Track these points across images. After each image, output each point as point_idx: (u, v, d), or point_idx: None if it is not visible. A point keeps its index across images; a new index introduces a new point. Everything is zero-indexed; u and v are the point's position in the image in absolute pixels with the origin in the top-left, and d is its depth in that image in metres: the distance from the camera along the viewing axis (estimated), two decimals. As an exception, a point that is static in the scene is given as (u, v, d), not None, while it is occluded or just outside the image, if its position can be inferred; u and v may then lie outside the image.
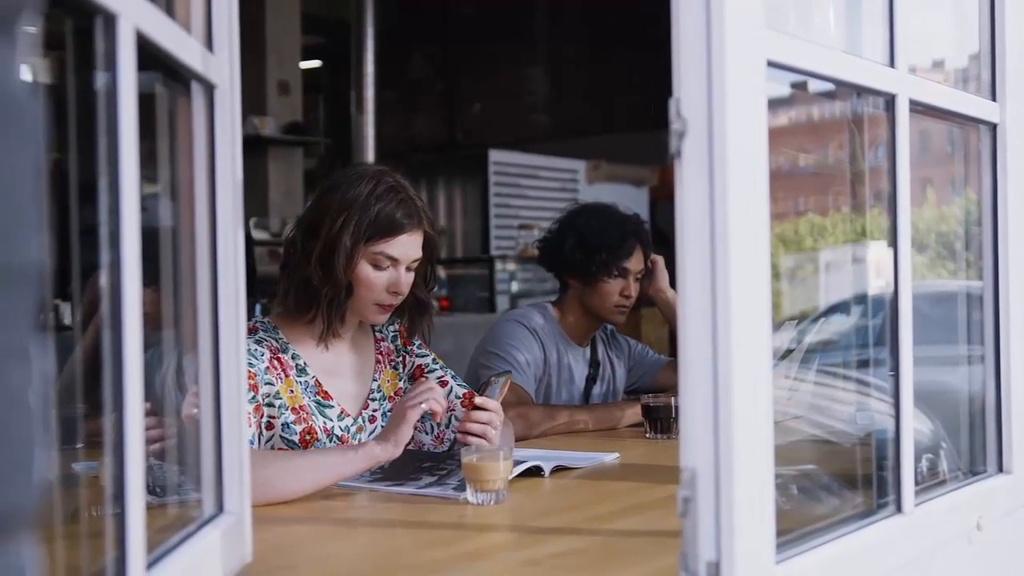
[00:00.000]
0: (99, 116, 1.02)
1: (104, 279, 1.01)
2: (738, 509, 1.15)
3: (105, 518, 1.15)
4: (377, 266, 2.20)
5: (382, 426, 2.30)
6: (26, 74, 0.55)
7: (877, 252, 1.87)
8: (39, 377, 0.56)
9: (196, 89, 1.33)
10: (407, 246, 2.22)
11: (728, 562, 1.16)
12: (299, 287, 2.21)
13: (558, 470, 2.19)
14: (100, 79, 1.02)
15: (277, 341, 2.22)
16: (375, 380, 2.36)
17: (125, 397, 1.00)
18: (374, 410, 2.34)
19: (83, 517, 1.30)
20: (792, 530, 1.33)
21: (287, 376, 2.20)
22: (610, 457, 2.36)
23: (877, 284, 1.93)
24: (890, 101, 1.52)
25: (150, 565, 1.09)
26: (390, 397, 2.37)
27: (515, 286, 7.62)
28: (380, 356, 2.39)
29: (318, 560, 1.62)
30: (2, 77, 0.53)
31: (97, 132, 1.02)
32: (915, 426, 1.57)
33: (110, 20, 0.99)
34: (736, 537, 1.15)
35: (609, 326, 3.20)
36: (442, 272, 7.77)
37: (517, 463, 2.04)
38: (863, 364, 1.93)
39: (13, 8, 0.53)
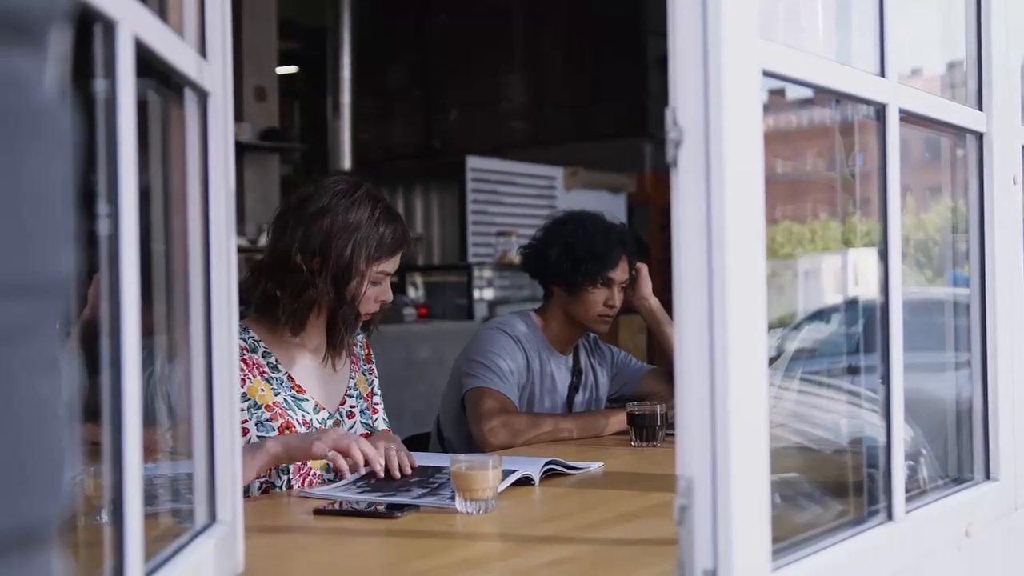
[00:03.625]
0: (97, 122, 1.01)
1: (103, 285, 1.00)
2: (735, 517, 1.15)
3: (94, 527, 1.14)
4: (375, 283, 2.31)
5: (361, 422, 2.41)
6: (57, 84, 0.55)
7: (857, 259, 1.88)
8: (67, 388, 0.56)
9: (189, 96, 1.32)
10: (399, 260, 2.36)
11: (725, 570, 1.16)
12: (308, 306, 2.27)
13: (548, 476, 2.19)
14: (98, 85, 1.01)
15: (246, 340, 2.25)
16: (351, 378, 2.44)
17: (123, 406, 0.99)
18: (351, 406, 2.42)
19: (75, 527, 1.29)
20: (786, 538, 1.33)
21: (254, 376, 2.25)
22: (595, 466, 2.36)
23: (858, 291, 1.94)
24: (880, 110, 1.53)
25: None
26: (365, 396, 2.46)
27: (493, 293, 7.61)
28: (354, 357, 2.48)
29: (309, 570, 1.61)
30: (33, 87, 0.52)
31: (94, 138, 1.01)
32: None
33: (109, 27, 0.98)
34: (733, 545, 1.15)
35: (592, 334, 3.21)
36: (420, 279, 7.76)
37: (507, 473, 2.04)
38: (848, 371, 1.93)
39: (44, 18, 0.53)
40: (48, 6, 0.53)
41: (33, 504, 0.52)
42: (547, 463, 2.20)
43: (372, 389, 2.50)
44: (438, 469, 2.19)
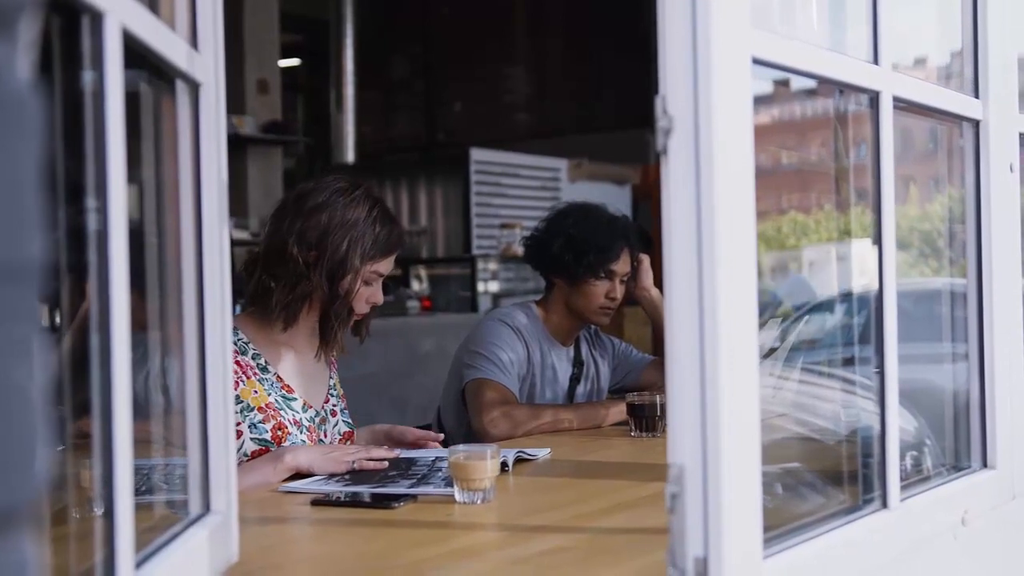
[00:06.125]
0: (85, 114, 1.01)
1: (90, 280, 1.01)
2: (726, 505, 1.16)
3: (88, 519, 1.15)
4: (367, 282, 2.33)
5: (343, 420, 2.46)
6: (27, 71, 0.55)
7: (860, 250, 1.88)
8: (41, 372, 0.56)
9: (181, 88, 1.33)
10: (392, 263, 2.39)
11: (716, 558, 1.16)
12: (301, 299, 2.29)
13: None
14: (86, 77, 1.01)
15: (236, 343, 2.26)
16: (331, 379, 2.49)
17: (113, 397, 1.00)
18: (333, 405, 2.46)
19: (67, 518, 1.30)
20: (779, 526, 1.33)
21: (249, 378, 2.27)
22: (542, 453, 2.38)
23: (860, 282, 1.94)
24: (874, 98, 1.53)
25: (138, 564, 1.08)
26: (342, 396, 2.51)
27: (497, 285, 7.61)
28: (334, 357, 2.51)
29: (305, 560, 1.62)
30: (4, 75, 0.53)
31: (82, 130, 1.02)
32: (899, 424, 1.57)
33: (97, 18, 0.98)
34: (724, 533, 1.16)
35: (593, 325, 3.20)
36: (423, 272, 7.76)
37: None
38: (847, 362, 1.94)
39: (14, 6, 0.53)
40: (18, -6, 0.54)
41: (4, 487, 0.53)
42: (516, 457, 2.24)
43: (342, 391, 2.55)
44: (413, 461, 2.21)
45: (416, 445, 2.44)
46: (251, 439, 2.23)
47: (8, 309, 0.53)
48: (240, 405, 2.22)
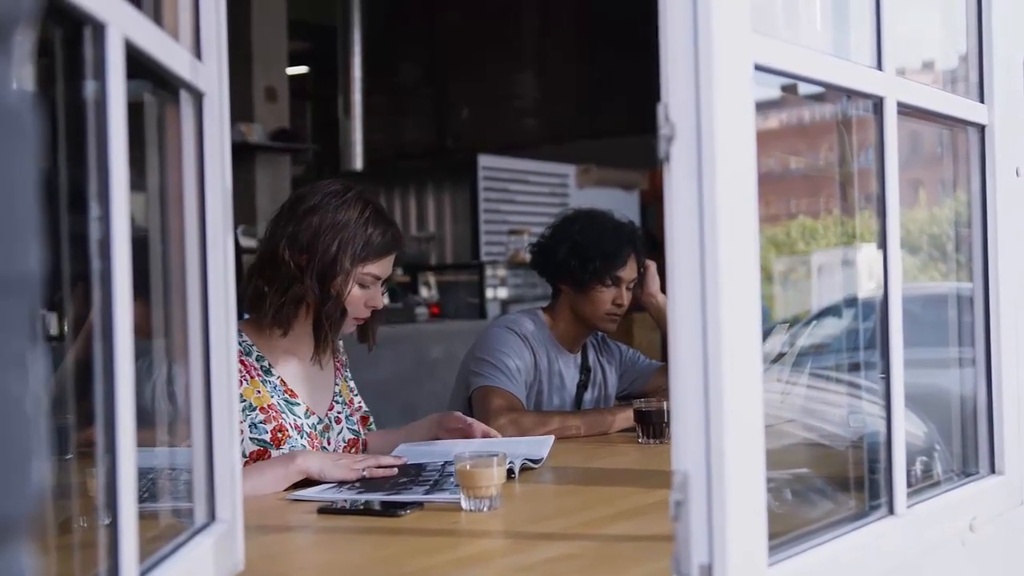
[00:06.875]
0: (88, 124, 1.01)
1: (94, 289, 1.01)
2: (730, 512, 1.15)
3: (94, 528, 1.15)
4: (362, 285, 2.33)
5: (347, 428, 2.46)
6: (23, 84, 0.55)
7: (868, 255, 1.87)
8: (36, 385, 0.56)
9: (184, 97, 1.33)
10: (390, 265, 2.38)
11: (720, 565, 1.16)
12: (294, 303, 2.29)
13: (524, 469, 2.23)
14: (89, 87, 1.02)
15: (240, 344, 2.27)
16: (336, 385, 2.48)
17: (116, 406, 1.00)
18: (338, 412, 2.46)
19: (73, 527, 1.30)
20: (785, 533, 1.33)
21: (252, 378, 2.29)
22: (547, 442, 2.40)
23: (869, 287, 1.93)
24: (878, 104, 1.52)
25: (143, 574, 1.08)
26: (348, 402, 2.50)
27: (505, 292, 7.61)
28: (338, 364, 2.52)
29: (310, 569, 1.62)
30: (0, 87, 0.53)
31: (85, 140, 1.02)
32: (909, 429, 1.57)
33: (99, 29, 0.99)
34: (728, 540, 1.15)
35: (600, 331, 3.20)
36: (432, 278, 7.76)
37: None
38: (855, 367, 1.93)
39: (10, 18, 0.53)
40: (13, 8, 0.54)
41: (1, 499, 0.53)
42: (523, 465, 2.23)
43: (353, 394, 2.54)
44: (422, 467, 2.21)
45: (468, 433, 2.45)
46: (251, 439, 2.23)
47: (4, 321, 0.53)
48: (242, 404, 2.22)
